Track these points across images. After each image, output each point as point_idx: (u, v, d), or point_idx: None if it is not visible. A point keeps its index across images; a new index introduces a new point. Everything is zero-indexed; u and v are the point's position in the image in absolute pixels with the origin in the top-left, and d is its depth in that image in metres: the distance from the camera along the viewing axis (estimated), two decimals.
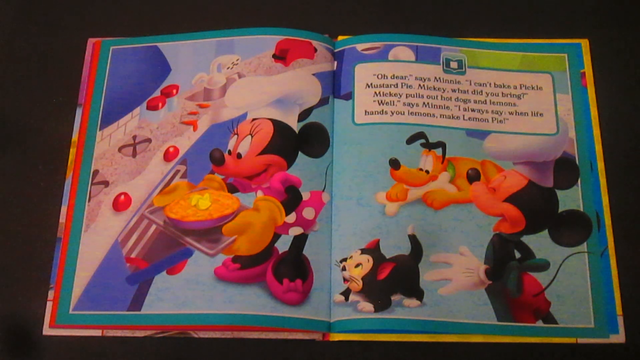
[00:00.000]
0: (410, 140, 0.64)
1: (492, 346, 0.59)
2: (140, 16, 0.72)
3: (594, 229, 0.62)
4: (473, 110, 0.66)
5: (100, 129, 0.66)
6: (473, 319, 0.59)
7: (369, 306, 0.59)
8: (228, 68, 0.67)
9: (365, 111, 0.65)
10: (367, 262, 0.60)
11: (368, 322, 0.58)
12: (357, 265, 0.60)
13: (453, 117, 0.65)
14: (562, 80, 0.67)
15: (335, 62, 0.68)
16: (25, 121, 0.67)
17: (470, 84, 0.67)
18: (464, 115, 0.65)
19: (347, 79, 0.67)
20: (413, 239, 0.61)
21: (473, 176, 0.63)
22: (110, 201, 0.63)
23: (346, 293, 0.59)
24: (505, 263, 0.61)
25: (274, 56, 0.67)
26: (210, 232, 0.61)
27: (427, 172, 0.63)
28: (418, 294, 0.59)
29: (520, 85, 0.67)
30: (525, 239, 0.61)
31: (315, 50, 0.67)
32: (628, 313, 0.59)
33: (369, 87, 0.66)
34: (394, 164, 0.63)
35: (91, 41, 0.70)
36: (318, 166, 0.63)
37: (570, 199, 0.63)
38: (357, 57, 0.67)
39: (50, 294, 0.60)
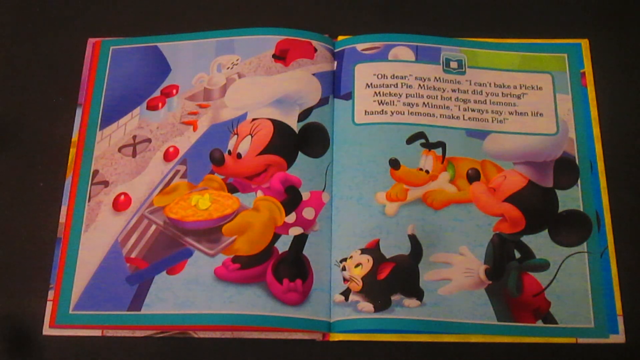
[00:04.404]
0: (410, 140, 0.64)
1: (492, 346, 0.59)
2: (140, 16, 0.72)
3: (594, 229, 0.62)
4: (473, 110, 0.66)
5: (100, 129, 0.66)
6: (473, 319, 0.59)
7: (369, 306, 0.59)
8: (228, 68, 0.68)
9: (365, 111, 0.65)
10: (367, 262, 0.60)
11: (368, 322, 0.58)
12: (357, 265, 0.60)
13: (453, 117, 0.65)
14: (562, 80, 0.67)
15: (335, 62, 0.68)
16: (25, 121, 0.67)
17: (470, 84, 0.67)
18: (463, 115, 0.65)
19: (347, 79, 0.67)
20: (413, 239, 0.61)
21: (473, 176, 0.63)
22: (110, 201, 0.63)
23: (346, 293, 0.59)
24: (505, 263, 0.61)
25: (274, 56, 0.67)
26: (210, 232, 0.61)
27: (427, 172, 0.63)
28: (418, 294, 0.59)
29: (520, 85, 0.67)
30: (525, 239, 0.61)
31: (315, 50, 0.67)
32: (628, 313, 0.59)
33: (369, 87, 0.66)
34: (394, 164, 0.63)
35: (91, 41, 0.70)
36: (318, 166, 0.63)
37: (570, 199, 0.63)
38: (357, 57, 0.67)
39: (50, 294, 0.60)
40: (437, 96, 0.66)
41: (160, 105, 0.67)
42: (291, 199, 0.62)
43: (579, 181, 0.63)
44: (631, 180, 0.64)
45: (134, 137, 0.66)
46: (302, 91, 0.66)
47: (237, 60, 0.68)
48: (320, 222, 0.62)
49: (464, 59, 0.68)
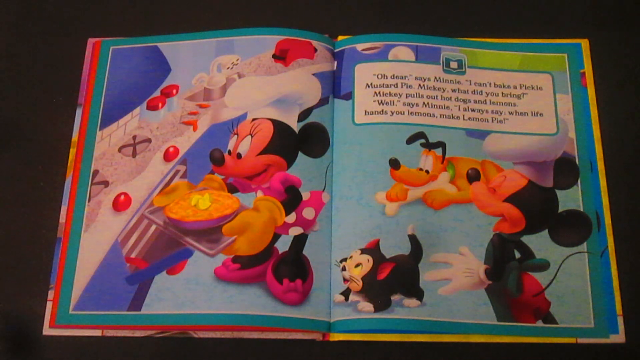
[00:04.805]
0: (410, 140, 0.64)
1: (492, 346, 0.59)
2: (140, 16, 0.72)
3: (594, 229, 0.62)
4: (473, 110, 0.66)
5: (100, 129, 0.66)
6: (473, 319, 0.59)
7: (369, 306, 0.59)
8: (228, 68, 0.68)
9: (365, 111, 0.65)
10: (367, 262, 0.60)
11: (368, 322, 0.58)
12: (357, 265, 0.60)
13: (453, 117, 0.65)
14: (562, 80, 0.67)
15: (335, 62, 0.68)
16: (25, 121, 0.67)
17: (470, 84, 0.67)
18: (464, 115, 0.65)
19: (347, 79, 0.67)
20: (413, 239, 0.61)
21: (473, 176, 0.63)
22: (110, 201, 0.63)
23: (346, 293, 0.59)
24: (505, 263, 0.61)
25: (274, 56, 0.67)
26: (210, 232, 0.61)
27: (427, 172, 0.63)
28: (418, 294, 0.59)
29: (520, 85, 0.67)
30: (525, 239, 0.61)
31: (315, 50, 0.67)
32: (628, 313, 0.59)
33: (369, 87, 0.66)
34: (394, 164, 0.63)
35: (91, 41, 0.70)
36: (318, 166, 0.63)
37: (570, 199, 0.63)
38: (357, 57, 0.67)
39: (50, 294, 0.60)
40: (437, 96, 0.66)
41: (160, 105, 0.67)
42: (291, 199, 0.62)
43: (579, 181, 0.63)
44: (631, 180, 0.64)
45: (134, 137, 0.66)
46: (302, 91, 0.66)
47: (237, 60, 0.68)
48: (320, 222, 0.62)
49: (464, 59, 0.68)
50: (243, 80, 0.67)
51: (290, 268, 0.60)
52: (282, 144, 0.64)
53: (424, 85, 0.66)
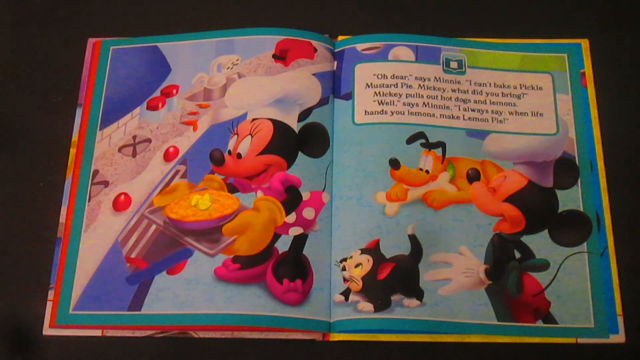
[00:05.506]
0: (410, 140, 0.64)
1: (492, 346, 0.59)
2: (140, 16, 0.72)
3: (594, 229, 0.62)
4: (473, 110, 0.66)
5: (100, 129, 0.66)
6: (473, 319, 0.59)
7: (369, 306, 0.59)
8: (228, 68, 0.68)
9: (365, 111, 0.65)
10: (367, 262, 0.60)
11: (368, 322, 0.58)
12: (357, 265, 0.60)
13: (453, 117, 0.65)
14: (562, 80, 0.67)
15: (335, 62, 0.68)
16: (25, 121, 0.67)
17: (470, 84, 0.67)
18: (464, 115, 0.65)
19: (347, 79, 0.67)
20: (413, 239, 0.61)
21: (473, 176, 0.63)
22: (110, 201, 0.63)
23: (346, 293, 0.59)
24: (505, 263, 0.61)
25: (274, 56, 0.67)
26: (210, 232, 0.61)
27: (427, 172, 0.63)
28: (418, 294, 0.59)
29: (520, 85, 0.67)
30: (525, 239, 0.61)
31: (315, 50, 0.67)
32: (628, 313, 0.59)
33: (369, 87, 0.66)
34: (394, 164, 0.63)
35: (91, 41, 0.70)
36: (318, 166, 0.63)
37: (570, 199, 0.63)
38: (357, 57, 0.67)
39: (50, 294, 0.60)
40: (437, 96, 0.66)
41: (160, 105, 0.67)
42: (291, 199, 0.62)
43: (579, 181, 0.63)
44: (631, 180, 0.64)
45: (134, 137, 0.66)
46: (302, 91, 0.66)
47: (237, 60, 0.68)
48: (320, 222, 0.62)
49: (464, 59, 0.68)
50: (243, 80, 0.67)
51: (290, 268, 0.60)
52: (282, 144, 0.64)
53: (424, 85, 0.66)
